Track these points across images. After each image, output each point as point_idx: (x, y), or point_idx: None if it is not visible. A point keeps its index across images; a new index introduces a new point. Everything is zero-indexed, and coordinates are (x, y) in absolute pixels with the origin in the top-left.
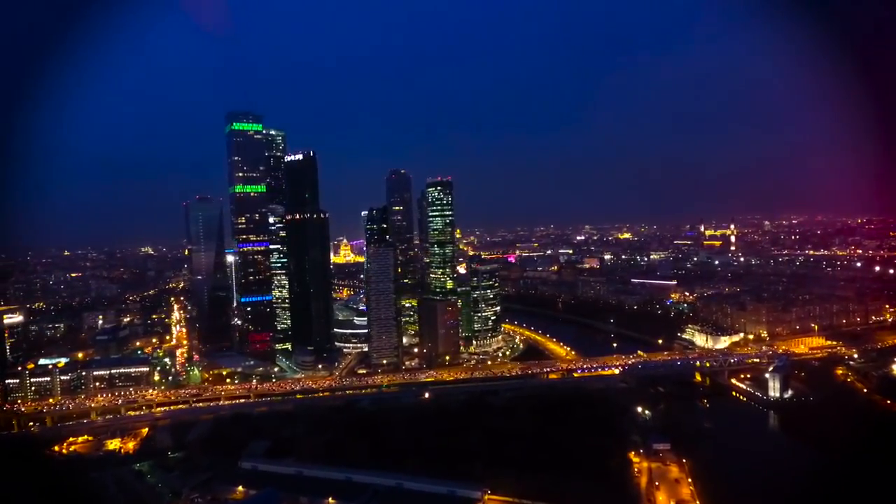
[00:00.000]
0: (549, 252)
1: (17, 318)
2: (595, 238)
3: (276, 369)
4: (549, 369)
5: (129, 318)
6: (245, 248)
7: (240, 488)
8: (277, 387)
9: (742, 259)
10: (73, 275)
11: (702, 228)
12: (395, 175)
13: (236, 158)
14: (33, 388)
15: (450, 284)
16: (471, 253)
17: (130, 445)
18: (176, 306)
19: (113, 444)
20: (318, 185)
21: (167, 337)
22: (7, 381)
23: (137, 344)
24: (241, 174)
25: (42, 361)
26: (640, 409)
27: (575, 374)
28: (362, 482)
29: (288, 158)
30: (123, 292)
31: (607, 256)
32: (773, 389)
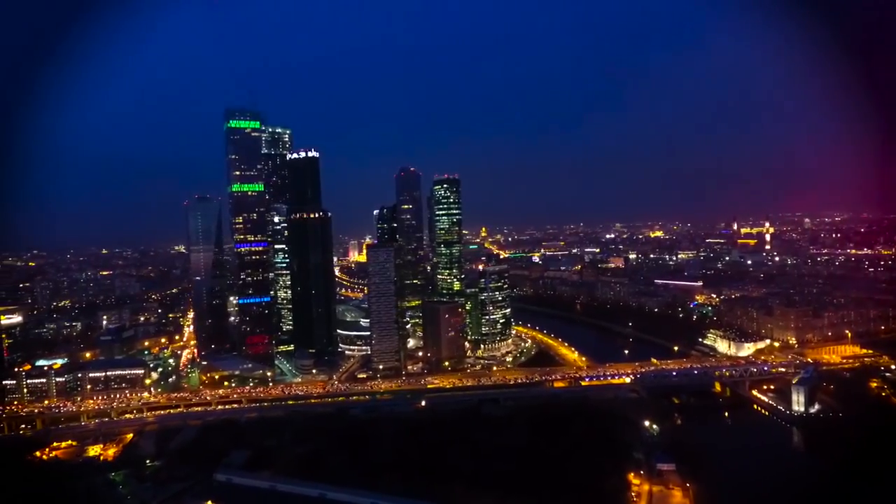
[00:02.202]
0: (574, 251)
1: (17, 319)
2: (625, 236)
3: (270, 373)
4: (555, 377)
5: (144, 317)
6: (242, 249)
7: (209, 503)
8: (271, 392)
9: (777, 259)
10: (103, 273)
11: (735, 226)
12: (404, 173)
13: (234, 157)
14: (28, 390)
15: (457, 286)
16: (495, 251)
17: (111, 452)
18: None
19: (94, 450)
20: (319, 184)
21: (177, 337)
22: (4, 383)
23: (146, 344)
24: (238, 172)
25: (39, 362)
26: (647, 423)
27: (583, 383)
28: (336, 500)
29: (290, 157)
30: (147, 290)
31: (633, 256)
32: (798, 403)
